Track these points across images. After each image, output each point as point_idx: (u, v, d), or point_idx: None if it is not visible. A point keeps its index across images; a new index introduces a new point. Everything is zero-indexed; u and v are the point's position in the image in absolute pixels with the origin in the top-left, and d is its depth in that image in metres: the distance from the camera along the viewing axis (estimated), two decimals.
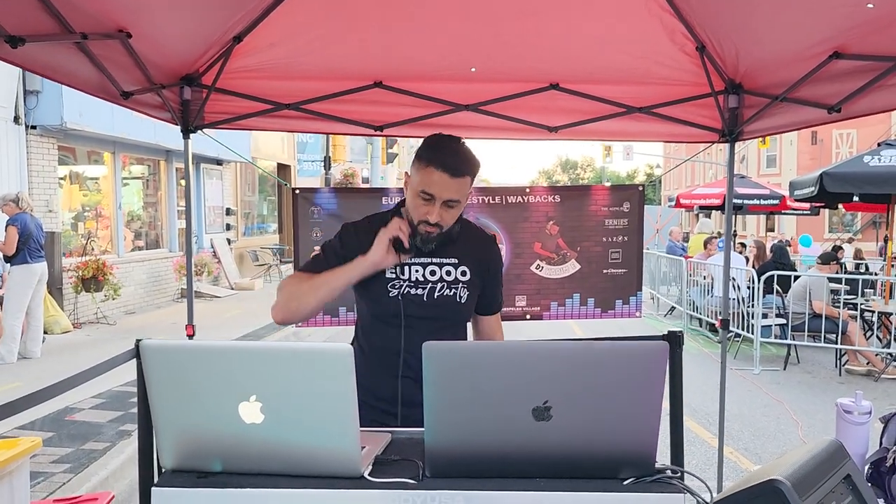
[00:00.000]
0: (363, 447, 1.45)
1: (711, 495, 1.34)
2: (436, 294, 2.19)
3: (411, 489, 1.29)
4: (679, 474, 1.30)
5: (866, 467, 2.39)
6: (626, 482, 1.30)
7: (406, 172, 2.22)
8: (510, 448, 1.31)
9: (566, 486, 1.29)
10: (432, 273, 2.21)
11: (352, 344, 2.21)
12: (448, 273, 2.22)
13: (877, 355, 8.62)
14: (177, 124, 3.59)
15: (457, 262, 2.24)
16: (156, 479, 1.37)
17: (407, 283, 2.17)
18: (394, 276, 2.17)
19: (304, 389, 1.27)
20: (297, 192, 4.03)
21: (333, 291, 2.10)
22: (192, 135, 3.69)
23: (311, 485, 1.30)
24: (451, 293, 2.21)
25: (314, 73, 3.56)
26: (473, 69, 3.54)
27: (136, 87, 3.01)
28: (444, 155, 2.10)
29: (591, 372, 1.27)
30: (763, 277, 9.24)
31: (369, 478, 1.32)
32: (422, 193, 2.10)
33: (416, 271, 2.20)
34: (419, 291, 2.18)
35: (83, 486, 4.56)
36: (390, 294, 2.16)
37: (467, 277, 2.23)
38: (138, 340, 1.37)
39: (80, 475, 4.74)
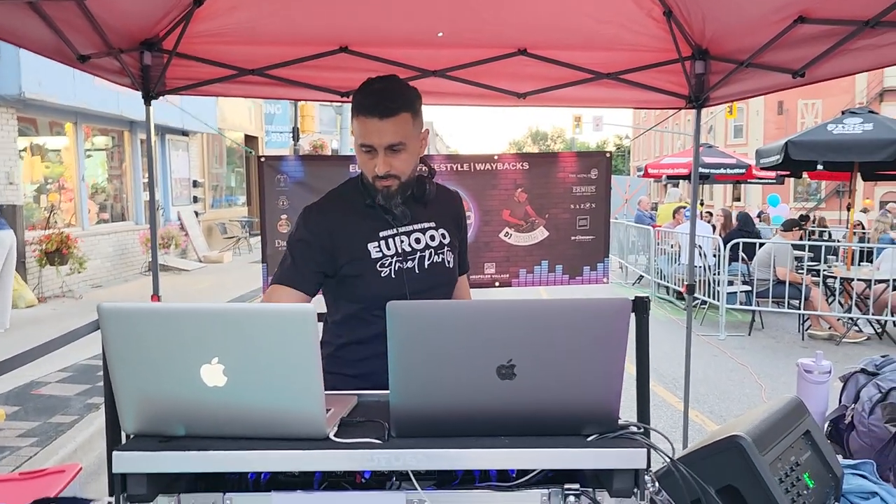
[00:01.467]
0: (329, 409, 1.45)
1: (673, 449, 1.36)
2: (426, 263, 2.08)
3: (376, 448, 1.29)
4: (642, 430, 1.32)
5: (826, 424, 2.46)
6: (589, 438, 1.31)
7: (351, 130, 2.06)
8: (475, 407, 1.32)
9: (530, 444, 1.30)
10: (417, 241, 2.08)
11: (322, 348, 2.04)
12: (432, 238, 2.11)
13: (838, 320, 8.82)
14: (137, 90, 3.51)
15: (435, 224, 2.13)
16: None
17: (395, 257, 2.04)
18: (380, 254, 2.03)
19: (266, 351, 1.26)
20: (263, 160, 3.98)
21: None
22: (156, 105, 3.61)
23: (275, 446, 1.29)
24: (440, 259, 2.11)
25: (278, 38, 3.50)
26: (440, 34, 3.51)
27: (93, 51, 2.93)
28: (370, 98, 1.93)
29: (555, 330, 1.27)
30: (729, 245, 9.37)
31: (334, 438, 1.31)
32: (362, 147, 1.97)
33: (402, 242, 2.06)
34: (410, 264, 2.05)
35: (50, 459, 4.51)
36: (382, 274, 2.03)
37: (448, 240, 2.14)
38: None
39: (47, 448, 4.70)
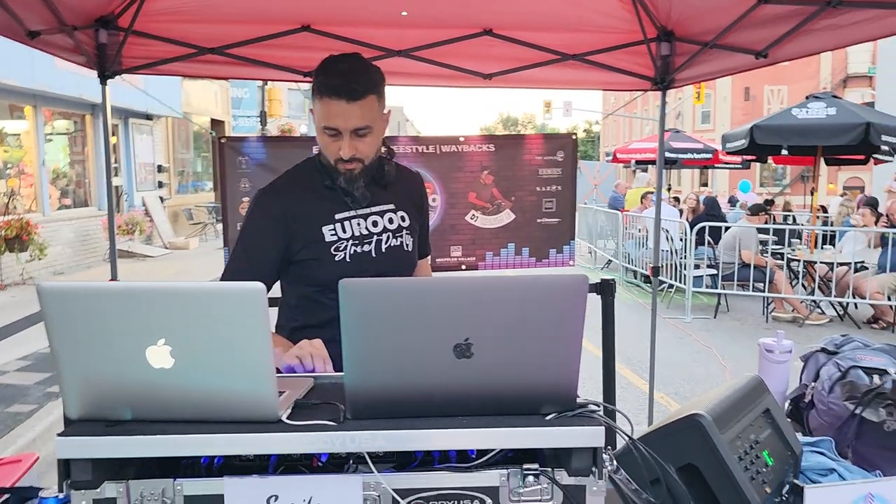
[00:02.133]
0: (284, 392, 1.41)
1: (632, 428, 1.35)
2: (383, 247, 2.03)
3: (330, 431, 1.25)
4: (601, 408, 1.30)
5: (787, 403, 2.48)
6: (547, 417, 1.29)
7: (311, 110, 1.98)
8: (432, 387, 1.29)
9: (488, 423, 1.28)
10: (374, 224, 2.03)
11: (276, 332, 2.01)
12: (390, 221, 2.06)
13: (801, 302, 8.96)
14: (93, 69, 3.41)
15: (394, 207, 2.07)
16: None
17: (351, 240, 1.99)
18: (335, 237, 1.98)
19: (214, 331, 1.21)
20: (224, 141, 3.90)
21: None
22: (119, 87, 3.52)
23: (226, 430, 1.25)
24: (398, 242, 2.06)
25: (238, 16, 3.42)
26: (404, 13, 3.45)
27: (43, 27, 2.83)
28: (335, 78, 1.84)
29: (512, 307, 1.24)
30: (695, 229, 9.45)
31: (287, 421, 1.28)
32: (326, 130, 1.89)
33: (359, 225, 2.01)
34: (366, 248, 2.01)
35: (8, 448, 4.42)
36: (336, 258, 1.98)
37: (407, 223, 2.09)
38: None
39: (4, 438, 4.59)
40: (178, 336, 1.22)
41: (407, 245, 2.08)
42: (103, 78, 3.47)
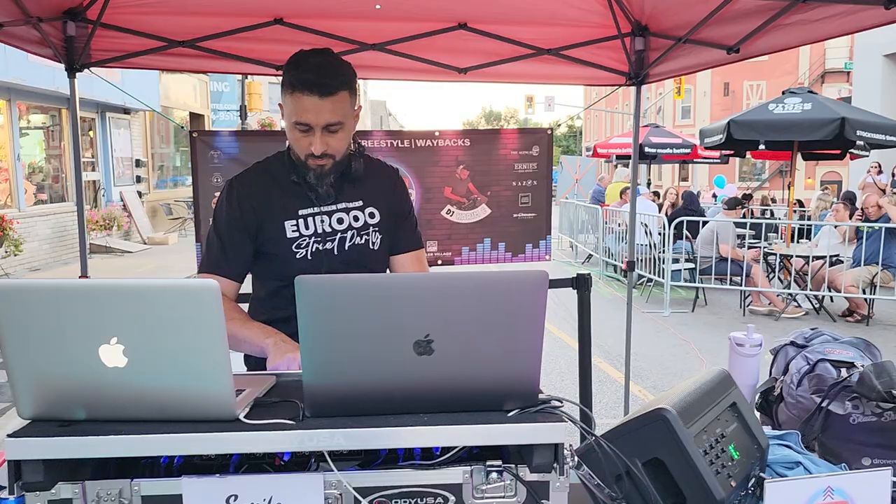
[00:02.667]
0: (243, 390, 1.39)
1: (592, 423, 1.34)
2: (347, 245, 2.00)
3: (289, 430, 1.24)
4: (563, 404, 1.29)
5: (756, 396, 2.49)
6: (509, 414, 1.28)
7: (280, 104, 1.96)
8: (392, 384, 1.27)
9: (450, 420, 1.27)
10: (339, 221, 2.01)
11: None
12: (356, 219, 2.03)
13: (778, 296, 9.04)
14: (59, 62, 3.36)
15: (362, 203, 2.05)
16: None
17: (313, 237, 1.98)
18: (296, 233, 1.97)
19: (168, 329, 1.19)
20: (195, 135, 3.85)
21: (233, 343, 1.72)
22: (95, 81, 3.47)
23: (182, 430, 1.23)
24: (363, 241, 2.02)
25: (209, 9, 3.37)
26: (378, 6, 3.42)
27: (6, 19, 2.78)
28: (307, 73, 1.83)
29: (473, 303, 1.23)
30: (674, 223, 9.50)
31: (245, 420, 1.26)
32: (297, 125, 1.88)
33: (322, 222, 1.99)
34: (329, 245, 1.99)
35: None
36: (297, 255, 1.97)
37: (376, 220, 2.06)
38: None
39: None
40: (131, 334, 1.20)
41: (373, 244, 2.05)
42: (72, 71, 3.41)
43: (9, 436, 1.22)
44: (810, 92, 9.76)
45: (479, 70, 3.87)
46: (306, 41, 3.55)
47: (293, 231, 1.97)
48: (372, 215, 2.06)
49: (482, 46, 3.75)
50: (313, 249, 1.97)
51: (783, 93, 9.82)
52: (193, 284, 1.18)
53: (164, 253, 14.29)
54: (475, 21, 3.63)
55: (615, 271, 11.74)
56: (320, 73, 1.83)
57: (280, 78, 1.99)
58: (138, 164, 16.73)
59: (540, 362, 1.28)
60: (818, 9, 2.61)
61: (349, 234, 2.02)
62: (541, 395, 1.32)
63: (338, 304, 1.22)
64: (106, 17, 3.22)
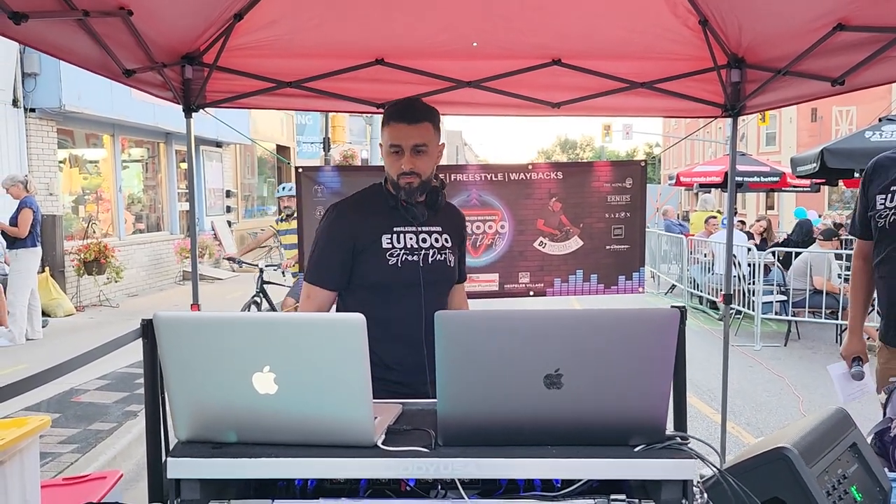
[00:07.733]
0: (376, 417, 1.47)
1: (722, 460, 1.35)
2: (430, 259, 2.37)
3: (425, 457, 1.30)
4: (689, 441, 1.31)
5: (871, 437, 2.42)
6: (636, 449, 1.31)
7: (380, 144, 2.40)
8: (522, 416, 1.32)
9: (577, 453, 1.31)
10: (424, 240, 2.38)
11: None
12: (436, 240, 2.41)
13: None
14: (179, 103, 3.58)
15: (440, 230, 2.43)
16: (164, 459, 1.38)
17: (403, 250, 2.33)
18: (390, 245, 2.33)
19: (316, 359, 1.28)
20: (301, 170, 4.02)
21: None
22: (193, 115, 3.68)
23: (325, 454, 1.31)
24: (442, 258, 2.41)
25: (315, 51, 3.54)
26: (475, 44, 3.52)
27: (137, 66, 3.00)
28: (399, 109, 2.32)
29: (603, 339, 1.28)
30: (764, 254, 9.25)
31: (383, 446, 1.33)
32: (390, 148, 2.29)
33: (411, 239, 2.36)
34: (415, 258, 2.35)
35: (91, 465, 4.59)
36: (389, 262, 2.31)
37: (450, 245, 2.44)
38: (146, 320, 1.38)
39: (87, 455, 4.78)
40: (282, 364, 1.29)
41: (450, 262, 2.44)
42: (188, 111, 3.63)
43: (169, 456, 1.33)
44: None
45: (572, 104, 3.91)
46: (406, 80, 3.68)
47: (388, 243, 2.33)
48: (447, 241, 2.45)
49: (575, 81, 3.79)
50: (402, 259, 2.33)
51: (880, 119, 9.48)
52: (341, 318, 1.27)
53: (253, 280, 14.75)
54: (569, 57, 3.68)
55: (700, 302, 11.47)
56: (408, 107, 2.33)
57: (379, 116, 2.49)
58: (228, 194, 17.40)
59: (668, 399, 1.30)
60: None
61: (431, 251, 2.40)
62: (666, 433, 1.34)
63: (474, 338, 1.28)
64: (221, 61, 3.43)
